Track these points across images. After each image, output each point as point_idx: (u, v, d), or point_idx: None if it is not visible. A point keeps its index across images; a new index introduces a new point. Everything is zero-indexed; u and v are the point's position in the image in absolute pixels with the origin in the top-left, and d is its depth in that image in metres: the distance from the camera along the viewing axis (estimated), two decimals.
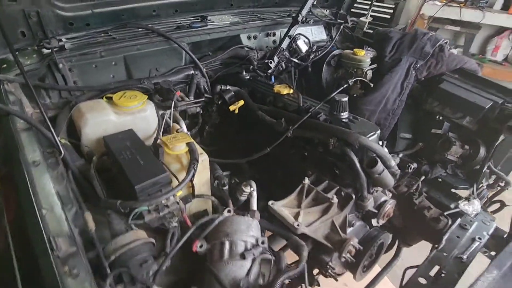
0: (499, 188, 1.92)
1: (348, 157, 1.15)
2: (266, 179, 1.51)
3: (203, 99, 1.51)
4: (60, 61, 1.27)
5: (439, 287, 1.21)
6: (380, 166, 1.11)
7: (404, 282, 1.27)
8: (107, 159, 1.12)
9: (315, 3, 1.98)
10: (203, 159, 1.12)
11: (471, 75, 1.89)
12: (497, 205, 1.81)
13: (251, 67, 1.74)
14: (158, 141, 1.08)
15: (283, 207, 1.17)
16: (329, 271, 1.20)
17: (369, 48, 2.08)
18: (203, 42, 1.72)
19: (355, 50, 1.96)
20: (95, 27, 1.40)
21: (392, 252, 1.84)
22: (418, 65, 1.89)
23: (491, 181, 1.89)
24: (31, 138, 0.98)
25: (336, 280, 1.29)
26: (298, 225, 1.06)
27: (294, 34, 1.97)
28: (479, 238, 1.41)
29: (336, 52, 2.06)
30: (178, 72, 1.54)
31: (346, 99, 1.25)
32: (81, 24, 1.33)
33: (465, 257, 1.31)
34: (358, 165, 1.14)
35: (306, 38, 2.01)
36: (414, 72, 1.90)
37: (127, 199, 0.93)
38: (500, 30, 4.69)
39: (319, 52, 2.05)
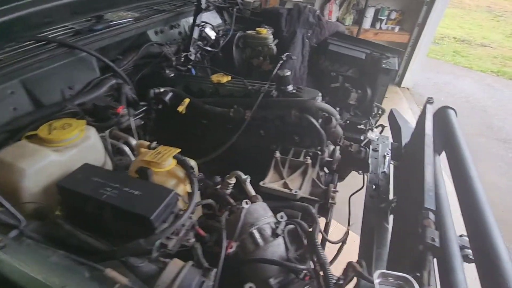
0: (379, 116, 2.53)
1: (309, 121, 1.29)
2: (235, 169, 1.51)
3: (144, 108, 1.33)
4: None
5: (381, 199, 1.57)
6: (334, 121, 1.31)
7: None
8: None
9: None
10: (193, 164, 1.03)
11: (345, 35, 2.33)
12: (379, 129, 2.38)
13: (168, 63, 1.61)
14: (140, 162, 0.92)
15: (271, 183, 1.23)
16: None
17: (266, 26, 2.23)
18: (110, 46, 1.45)
19: (258, 29, 2.07)
20: None
21: None
22: (308, 34, 2.18)
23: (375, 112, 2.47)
24: None
25: None
26: (296, 191, 1.15)
27: (201, 23, 1.90)
28: (387, 154, 1.86)
29: (239, 34, 2.12)
30: (100, 85, 1.27)
31: (289, 73, 1.36)
32: None
33: (386, 170, 1.73)
34: (318, 125, 1.30)
35: (211, 24, 1.97)
36: (307, 40, 2.18)
37: (134, 238, 0.79)
38: None
39: (225, 37, 2.06)
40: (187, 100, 1.37)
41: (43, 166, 0.89)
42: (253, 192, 1.13)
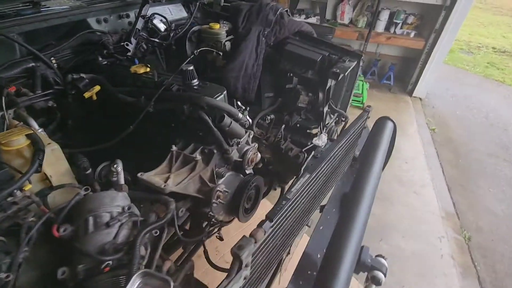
0: (342, 122, 2.41)
1: (201, 118, 1.27)
2: (143, 158, 1.54)
3: (50, 91, 1.39)
4: None
5: None
6: (227, 120, 1.28)
7: None
8: None
9: None
10: (53, 148, 1.07)
11: (307, 36, 2.24)
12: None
13: (106, 51, 1.66)
14: None
15: (154, 176, 1.24)
16: (213, 219, 1.36)
17: (224, 22, 2.22)
18: (41, 31, 1.53)
19: (211, 24, 2.07)
20: None
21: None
22: (266, 32, 2.13)
23: (336, 119, 2.36)
24: None
25: (220, 226, 1.47)
26: (164, 185, 1.15)
27: (149, 14, 1.94)
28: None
29: (196, 28, 2.13)
30: (13, 66, 1.36)
31: (191, 67, 1.35)
32: None
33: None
34: (210, 122, 1.28)
35: (163, 17, 2.01)
36: (264, 38, 2.13)
37: None
38: None
39: (179, 30, 2.08)
40: (96, 88, 1.42)
41: None
42: (121, 181, 1.15)
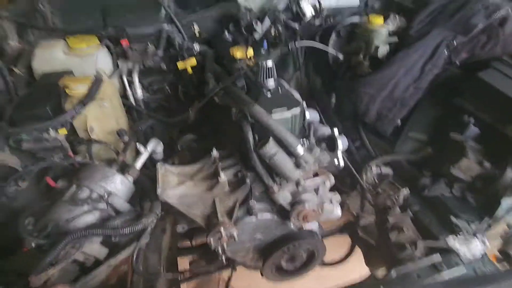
0: None
1: (243, 129, 0.92)
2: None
3: (160, 55, 1.44)
4: (42, 3, 1.39)
5: None
6: (270, 148, 0.85)
7: None
8: None
9: None
10: (104, 105, 1.08)
11: None
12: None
13: (233, 27, 1.55)
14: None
15: (172, 173, 1.05)
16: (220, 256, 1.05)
17: (397, 16, 1.57)
18: None
19: (370, 16, 1.51)
20: None
21: None
22: (455, 42, 1.32)
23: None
24: None
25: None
26: (161, 191, 0.93)
27: None
28: None
29: (349, 20, 1.63)
30: (150, 25, 1.49)
31: (270, 64, 0.97)
32: None
33: None
34: (250, 142, 0.90)
35: (317, 1, 1.64)
36: (446, 51, 1.34)
37: None
38: None
39: (330, 19, 1.66)
40: (192, 61, 1.34)
41: (49, 58, 1.24)
42: (137, 165, 1.02)
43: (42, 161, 1.00)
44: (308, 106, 1.18)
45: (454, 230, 1.17)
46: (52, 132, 0.98)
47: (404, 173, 1.41)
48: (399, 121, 1.47)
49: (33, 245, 0.75)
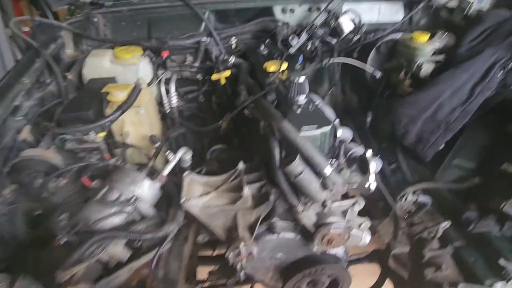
0: None
1: (269, 145, 0.90)
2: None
3: (197, 65, 1.49)
4: (96, 16, 1.53)
5: None
6: (296, 166, 0.82)
7: None
8: None
9: None
10: (139, 112, 1.14)
11: None
12: None
13: (268, 41, 1.56)
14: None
15: (198, 182, 1.06)
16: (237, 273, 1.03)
17: (447, 34, 1.47)
18: (229, 12, 1.65)
19: (415, 33, 1.43)
20: None
21: None
22: (510, 64, 1.20)
23: None
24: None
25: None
26: (184, 200, 0.94)
27: (343, 11, 1.61)
28: None
29: (392, 36, 1.56)
30: (190, 37, 1.55)
31: (302, 79, 0.95)
32: None
33: None
34: (276, 158, 0.88)
35: (357, 16, 1.60)
36: (500, 73, 1.22)
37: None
38: None
39: (371, 35, 1.60)
40: (226, 73, 1.37)
41: (96, 66, 1.35)
42: (164, 172, 1.05)
43: (81, 160, 1.07)
44: (343, 123, 1.14)
45: (502, 275, 1.03)
46: (92, 135, 1.05)
47: (446, 203, 1.28)
48: (441, 146, 1.35)
49: (62, 241, 0.79)
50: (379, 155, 1.49)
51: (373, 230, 1.18)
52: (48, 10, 1.59)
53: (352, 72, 1.73)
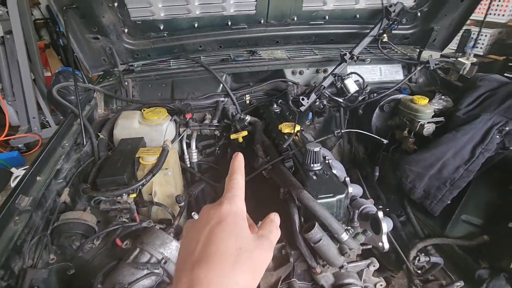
0: None
1: (289, 212, 0.98)
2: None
3: (216, 123, 1.63)
4: (126, 80, 1.71)
5: None
6: (316, 234, 0.89)
7: None
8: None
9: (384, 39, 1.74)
10: (167, 174, 1.24)
11: None
12: None
13: (280, 101, 1.71)
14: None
15: None
16: None
17: (443, 97, 1.61)
18: (244, 74, 1.83)
19: (415, 97, 1.56)
20: (154, 57, 1.78)
21: None
22: (508, 128, 1.31)
23: None
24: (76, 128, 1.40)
25: None
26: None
27: (347, 73, 1.79)
28: None
29: (394, 97, 1.70)
30: (209, 97, 1.71)
31: (318, 149, 1.05)
32: (144, 55, 1.74)
33: None
34: (296, 225, 0.96)
35: (361, 77, 1.76)
36: (499, 136, 1.32)
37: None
38: None
39: (374, 95, 1.75)
40: (243, 133, 1.49)
41: (127, 127, 1.49)
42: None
43: (113, 219, 1.15)
44: (349, 173, 1.22)
45: None
46: (125, 196, 1.15)
47: (458, 259, 1.32)
48: (448, 201, 1.41)
49: None
50: (388, 209, 1.56)
51: (387, 281, 1.21)
52: (82, 74, 1.78)
53: (359, 124, 1.86)
